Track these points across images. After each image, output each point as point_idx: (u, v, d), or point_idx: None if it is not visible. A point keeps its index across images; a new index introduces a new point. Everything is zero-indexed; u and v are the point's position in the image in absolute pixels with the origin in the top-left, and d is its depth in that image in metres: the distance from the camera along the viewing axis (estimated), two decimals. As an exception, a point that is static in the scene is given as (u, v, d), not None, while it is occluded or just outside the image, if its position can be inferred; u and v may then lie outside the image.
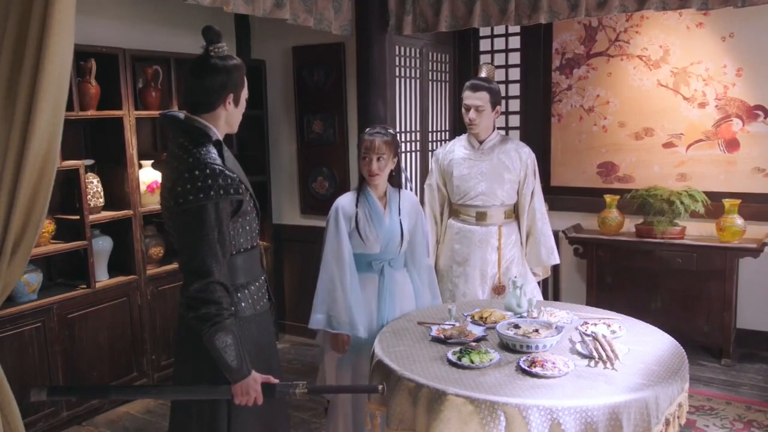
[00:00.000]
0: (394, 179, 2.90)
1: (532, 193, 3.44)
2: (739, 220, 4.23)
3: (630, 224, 4.61)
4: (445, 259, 3.52)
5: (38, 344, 3.40)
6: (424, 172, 5.20)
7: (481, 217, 3.41)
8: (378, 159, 2.74)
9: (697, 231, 4.46)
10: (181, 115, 2.12)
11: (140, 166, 3.94)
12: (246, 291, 2.15)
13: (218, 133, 2.10)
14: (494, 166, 3.38)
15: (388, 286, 2.84)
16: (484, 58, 5.39)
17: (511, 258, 3.42)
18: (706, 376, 4.10)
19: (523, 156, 3.41)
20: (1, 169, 1.90)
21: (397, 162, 2.87)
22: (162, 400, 3.83)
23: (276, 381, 2.07)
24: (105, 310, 3.73)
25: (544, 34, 4.98)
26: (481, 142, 3.43)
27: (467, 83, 3.41)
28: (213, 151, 2.02)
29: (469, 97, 3.33)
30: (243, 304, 2.12)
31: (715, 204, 4.33)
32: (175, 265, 4.12)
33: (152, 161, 4.04)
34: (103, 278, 3.78)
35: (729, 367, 4.24)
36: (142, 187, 3.93)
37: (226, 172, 1.98)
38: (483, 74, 3.40)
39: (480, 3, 4.02)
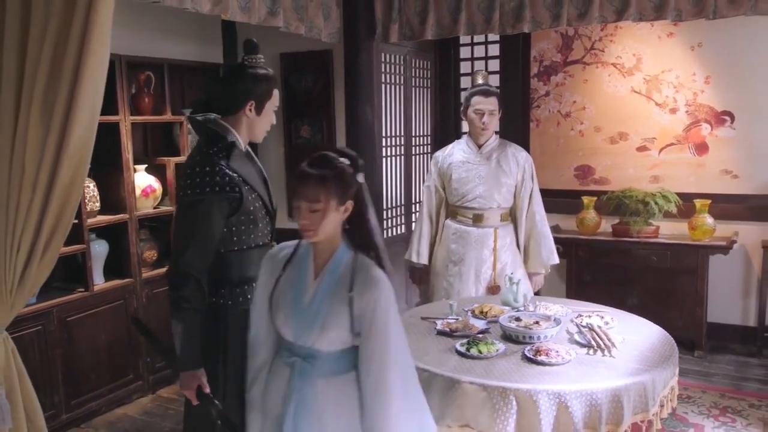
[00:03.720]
0: (357, 238, 1.87)
1: (531, 196, 3.60)
2: (709, 220, 4.46)
3: (607, 224, 4.82)
4: (441, 258, 3.66)
5: (39, 347, 3.42)
6: (408, 176, 5.34)
7: (477, 219, 3.56)
8: (312, 210, 1.76)
9: (670, 230, 4.69)
10: (202, 116, 2.23)
11: (134, 171, 3.98)
12: (254, 285, 2.23)
13: (238, 136, 2.21)
14: (492, 170, 3.53)
15: (297, 391, 1.83)
16: (464, 65, 5.58)
17: (505, 261, 3.57)
18: (681, 367, 4.20)
19: (521, 160, 3.58)
20: (37, 172, 1.98)
21: (359, 211, 1.84)
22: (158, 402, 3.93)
23: (207, 390, 2.06)
24: (102, 313, 3.77)
25: (523, 42, 5.17)
26: (480, 146, 3.58)
27: (476, 89, 3.55)
28: (222, 152, 2.13)
29: (482, 102, 3.48)
30: (252, 295, 2.20)
31: (686, 204, 4.56)
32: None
33: (146, 166, 4.09)
34: (99, 282, 3.81)
35: (702, 359, 4.48)
36: (137, 191, 3.98)
37: (226, 170, 2.09)
38: (480, 80, 3.58)
39: (465, 12, 4.18)
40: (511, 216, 3.65)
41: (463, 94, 5.57)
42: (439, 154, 3.77)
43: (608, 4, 3.79)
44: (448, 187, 3.64)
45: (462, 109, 3.63)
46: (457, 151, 3.66)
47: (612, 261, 4.74)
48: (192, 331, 2.06)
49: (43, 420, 2.37)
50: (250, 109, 2.21)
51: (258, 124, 2.25)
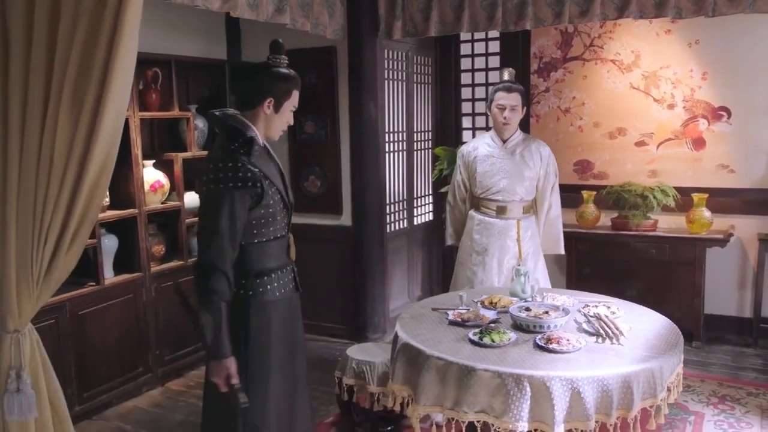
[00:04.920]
0: None
1: (552, 189, 3.77)
2: (706, 213, 4.55)
3: (606, 218, 4.91)
4: (465, 248, 3.78)
5: (52, 340, 3.45)
6: (410, 171, 5.40)
7: (501, 211, 3.69)
8: None
9: (668, 224, 4.78)
10: (220, 112, 2.32)
11: (143, 166, 4.02)
12: (273, 275, 2.32)
13: (257, 131, 2.27)
14: (516, 164, 3.66)
15: None
16: (465, 62, 5.64)
17: (527, 251, 3.69)
18: (679, 357, 4.42)
19: (544, 155, 3.73)
20: (65, 167, 2.03)
21: None
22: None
23: (236, 381, 2.14)
24: (113, 306, 3.82)
25: (523, 39, 5.23)
26: (504, 141, 3.69)
27: (499, 85, 3.67)
28: (243, 148, 2.20)
29: (505, 98, 3.60)
30: (270, 286, 2.30)
31: (684, 198, 4.65)
32: (175, 263, 4.24)
33: (153, 161, 4.14)
34: (109, 276, 3.86)
35: (699, 349, 4.57)
36: (146, 187, 4.02)
37: (248, 166, 2.16)
38: (506, 77, 3.70)
39: (468, 10, 4.25)
40: (533, 208, 3.79)
41: (464, 91, 5.70)
42: (464, 148, 3.92)
43: (609, 1, 3.87)
44: (472, 180, 3.77)
45: (486, 104, 3.77)
46: (482, 146, 3.79)
47: (611, 254, 4.82)
48: (221, 321, 2.11)
49: (67, 409, 2.44)
50: (269, 106, 2.28)
51: (275, 122, 2.32)
